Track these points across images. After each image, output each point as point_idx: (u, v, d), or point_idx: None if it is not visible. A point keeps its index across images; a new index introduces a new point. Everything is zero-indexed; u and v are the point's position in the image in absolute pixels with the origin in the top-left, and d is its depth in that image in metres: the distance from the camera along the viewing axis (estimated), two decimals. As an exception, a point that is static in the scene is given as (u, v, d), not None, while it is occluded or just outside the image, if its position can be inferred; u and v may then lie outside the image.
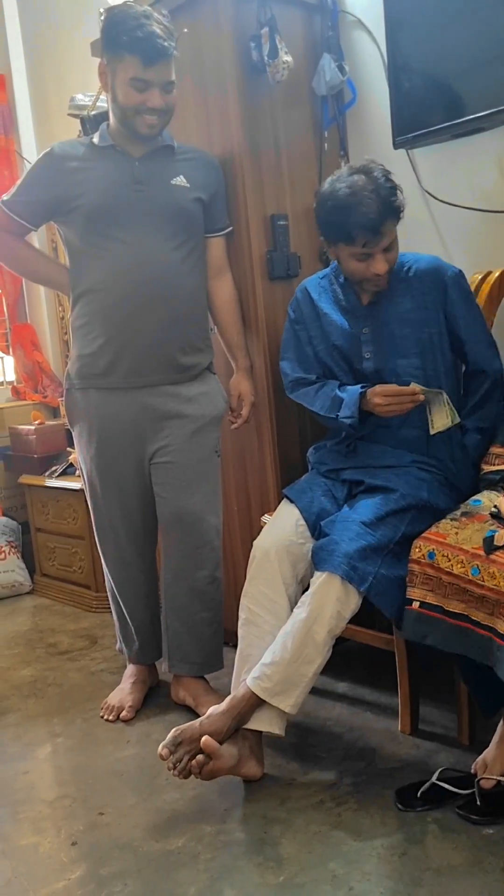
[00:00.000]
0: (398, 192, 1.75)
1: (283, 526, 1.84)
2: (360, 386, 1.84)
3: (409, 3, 2.06)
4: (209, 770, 1.63)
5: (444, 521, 1.70)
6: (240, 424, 2.17)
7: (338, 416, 1.85)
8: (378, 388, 1.81)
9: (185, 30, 2.09)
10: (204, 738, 1.62)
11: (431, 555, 1.64)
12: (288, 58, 2.06)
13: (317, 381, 1.96)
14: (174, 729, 1.68)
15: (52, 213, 2.00)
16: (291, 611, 1.76)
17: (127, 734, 2.03)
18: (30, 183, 2.00)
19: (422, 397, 1.77)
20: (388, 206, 1.72)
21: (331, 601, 1.64)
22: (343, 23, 2.29)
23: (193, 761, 1.62)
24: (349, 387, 1.87)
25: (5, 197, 2.02)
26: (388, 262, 1.78)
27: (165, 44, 1.82)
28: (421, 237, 2.17)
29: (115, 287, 1.94)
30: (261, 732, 1.71)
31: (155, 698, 2.19)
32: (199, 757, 1.62)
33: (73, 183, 1.94)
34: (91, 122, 2.57)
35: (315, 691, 2.05)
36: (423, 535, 1.68)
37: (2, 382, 3.93)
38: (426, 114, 2.07)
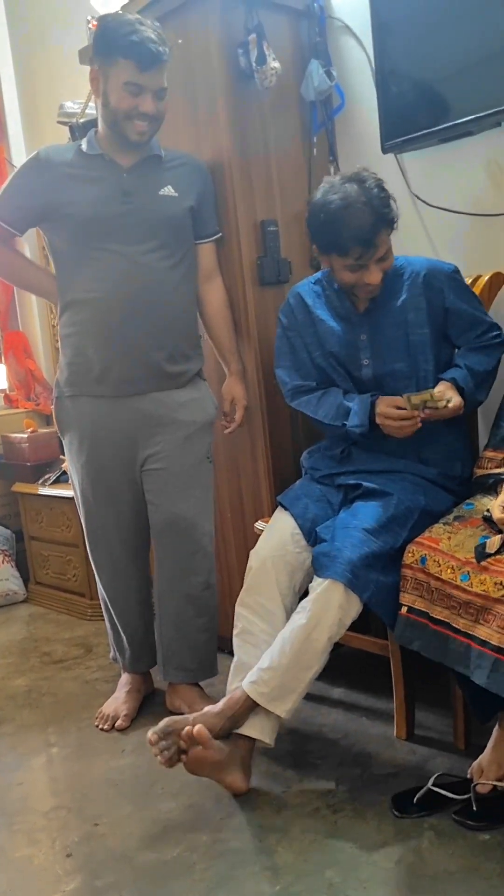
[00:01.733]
0: (391, 201, 1.74)
1: (279, 535, 1.84)
2: (369, 395, 1.82)
3: (395, 8, 2.06)
4: (195, 756, 1.62)
5: (437, 525, 1.70)
6: (233, 429, 2.16)
7: (345, 423, 1.83)
8: (382, 406, 1.78)
9: (179, 41, 2.09)
10: (197, 727, 1.61)
11: (423, 560, 1.64)
12: (276, 64, 2.06)
13: (317, 388, 1.94)
14: (167, 718, 1.67)
15: (38, 219, 2.00)
16: (287, 620, 1.76)
17: (122, 743, 2.02)
18: (15, 187, 1.98)
19: (419, 425, 1.75)
20: (381, 218, 1.70)
21: (332, 608, 1.63)
22: (330, 28, 2.30)
23: (183, 732, 1.61)
24: (356, 395, 1.86)
25: None
26: (381, 271, 1.78)
27: (160, 49, 1.83)
28: (410, 241, 2.17)
29: (103, 297, 1.93)
30: (253, 745, 1.70)
31: (150, 707, 2.18)
32: (188, 729, 1.61)
33: (61, 190, 1.93)
34: (80, 130, 2.57)
35: (310, 697, 2.04)
36: (417, 539, 1.68)
37: (-6, 390, 3.92)
38: (414, 118, 2.08)
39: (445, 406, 1.73)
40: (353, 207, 1.69)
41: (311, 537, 1.80)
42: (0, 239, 2.03)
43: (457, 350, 1.90)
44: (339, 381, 1.93)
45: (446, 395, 1.74)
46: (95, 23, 2.44)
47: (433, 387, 1.80)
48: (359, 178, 1.73)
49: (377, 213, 1.70)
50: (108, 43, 1.83)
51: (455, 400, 1.74)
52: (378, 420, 1.79)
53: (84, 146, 1.97)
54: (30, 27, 3.56)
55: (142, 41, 1.81)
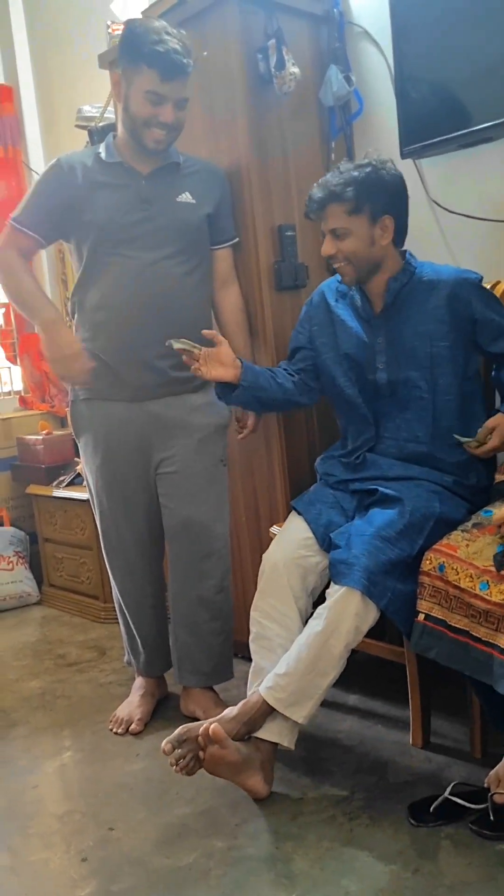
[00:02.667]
0: (359, 185, 1.76)
1: (292, 539, 1.84)
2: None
3: (415, 14, 2.06)
4: (212, 755, 1.61)
5: (455, 532, 1.70)
6: (246, 435, 2.16)
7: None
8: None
9: (205, 53, 2.09)
10: (213, 725, 1.61)
11: (441, 567, 1.63)
12: (295, 69, 2.06)
13: (297, 373, 2.00)
14: (181, 726, 1.67)
15: (62, 227, 1.99)
16: (302, 623, 1.76)
17: (136, 747, 2.02)
18: (39, 195, 1.98)
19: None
20: (330, 193, 1.78)
21: (349, 615, 1.63)
22: (350, 34, 2.30)
23: (201, 730, 1.62)
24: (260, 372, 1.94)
25: (14, 214, 2.00)
26: (335, 248, 1.82)
27: (184, 60, 1.83)
28: (429, 247, 2.16)
29: (119, 302, 1.94)
30: (274, 749, 1.70)
31: (164, 711, 2.18)
32: (205, 727, 1.63)
33: (81, 197, 1.94)
34: (98, 134, 2.58)
35: (325, 704, 2.04)
36: (435, 546, 1.67)
37: (9, 392, 3.93)
38: (433, 124, 2.07)
39: (478, 447, 1.80)
40: (324, 176, 1.84)
41: (325, 543, 1.80)
42: (24, 251, 2.00)
43: (494, 367, 1.90)
44: (346, 386, 1.93)
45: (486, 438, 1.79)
46: (115, 27, 2.47)
47: (448, 400, 1.83)
48: (365, 159, 1.81)
49: (327, 189, 1.79)
50: (134, 49, 1.83)
51: (491, 443, 1.77)
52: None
53: (103, 154, 1.97)
54: (48, 31, 3.58)
55: (167, 52, 1.81)
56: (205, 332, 1.90)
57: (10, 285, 2.01)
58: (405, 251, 1.90)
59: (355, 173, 1.78)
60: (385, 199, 1.79)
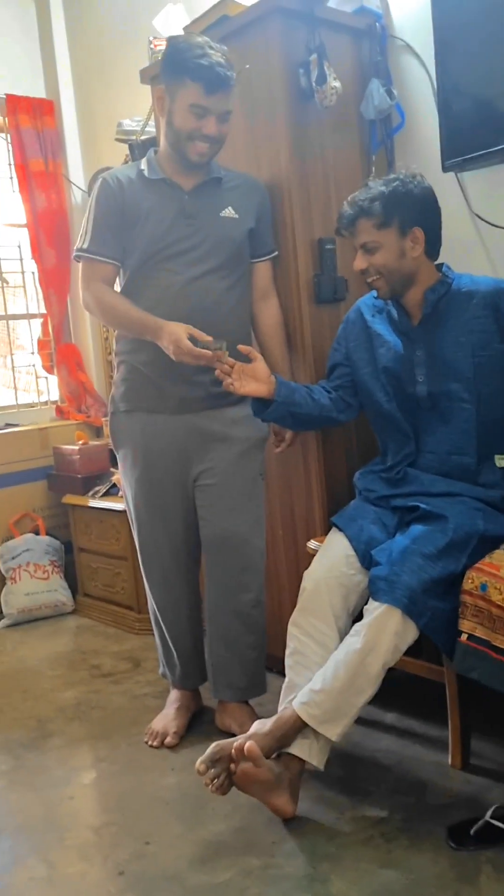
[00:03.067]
0: (386, 201, 1.78)
1: (334, 557, 1.83)
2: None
3: (458, 27, 2.05)
4: (244, 771, 1.60)
5: (498, 551, 1.67)
6: (283, 448, 2.15)
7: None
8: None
9: (247, 66, 2.10)
10: (249, 743, 1.60)
11: (484, 587, 1.61)
12: (336, 83, 2.06)
13: (333, 391, 2.01)
14: (213, 744, 1.66)
15: (123, 242, 1.99)
16: (340, 642, 1.74)
17: (171, 761, 2.01)
18: (98, 219, 1.98)
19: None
20: (360, 208, 1.81)
21: (388, 634, 1.61)
22: (392, 47, 2.29)
23: (235, 745, 1.61)
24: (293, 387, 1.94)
25: (81, 246, 2.00)
26: (368, 263, 1.84)
27: (227, 73, 1.84)
28: (471, 260, 2.15)
29: (160, 313, 1.95)
30: (302, 768, 1.68)
31: (199, 725, 2.17)
32: (239, 743, 1.62)
33: (128, 213, 1.95)
34: (139, 148, 2.61)
35: (362, 721, 2.02)
36: (477, 565, 1.65)
37: (46, 402, 3.98)
38: (476, 137, 2.05)
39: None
40: (355, 193, 1.86)
41: (366, 560, 1.78)
42: (106, 279, 2.00)
43: None
44: (383, 400, 1.92)
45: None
46: (157, 43, 2.49)
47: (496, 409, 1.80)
48: (393, 178, 1.83)
49: (356, 205, 1.82)
50: (178, 64, 1.85)
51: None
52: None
53: (146, 171, 1.98)
54: (89, 47, 3.63)
55: (210, 65, 1.82)
56: (241, 347, 1.90)
57: (107, 317, 2.03)
58: (441, 264, 1.89)
59: (382, 188, 1.80)
60: (414, 211, 1.79)
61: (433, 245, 1.85)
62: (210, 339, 1.85)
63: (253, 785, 1.63)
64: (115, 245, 1.98)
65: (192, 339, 1.85)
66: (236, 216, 1.99)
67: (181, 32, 2.46)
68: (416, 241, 1.80)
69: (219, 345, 1.85)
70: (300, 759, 1.68)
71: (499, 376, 1.81)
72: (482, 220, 2.17)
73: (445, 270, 1.87)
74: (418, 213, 1.80)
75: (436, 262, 1.88)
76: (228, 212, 1.98)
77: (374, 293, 1.95)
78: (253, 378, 1.89)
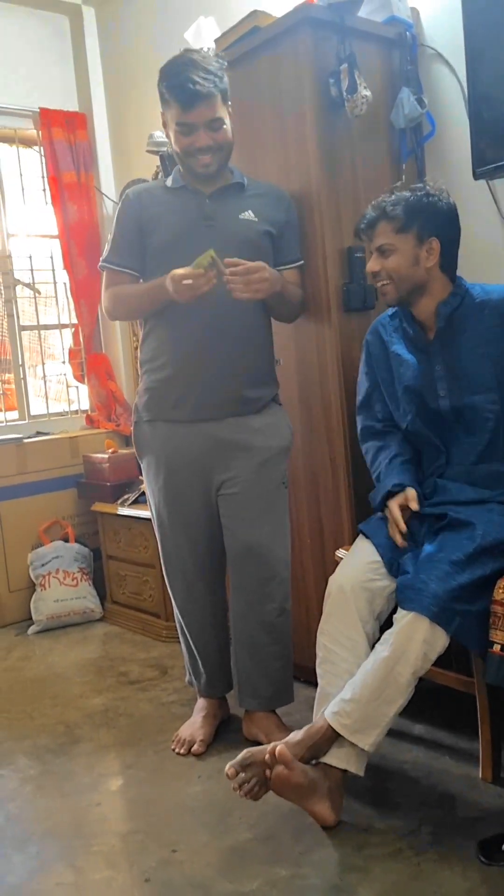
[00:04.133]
0: (409, 209, 1.78)
1: (359, 562, 1.81)
2: (393, 485, 1.84)
3: (489, 35, 2.04)
4: (278, 775, 1.59)
5: (529, 561, 1.65)
6: (229, 278, 1.86)
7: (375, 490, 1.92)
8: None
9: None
10: (280, 746, 1.60)
11: (515, 596, 1.59)
12: (367, 92, 2.07)
13: (382, 431, 1.98)
14: (245, 750, 1.66)
15: (144, 254, 2.03)
16: (369, 647, 1.73)
17: (198, 769, 2.01)
18: (118, 232, 2.05)
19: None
20: (383, 212, 1.81)
21: (417, 642, 1.60)
22: (422, 56, 2.29)
23: (268, 749, 1.61)
24: (391, 474, 1.87)
25: (103, 257, 2.07)
26: (380, 265, 1.83)
27: (199, 87, 1.85)
28: (501, 268, 2.13)
29: (182, 321, 1.96)
30: (342, 776, 1.67)
31: (226, 734, 2.16)
32: (271, 746, 1.62)
33: (149, 220, 2.00)
34: (170, 159, 2.64)
35: (391, 733, 1.98)
36: (507, 575, 1.63)
37: (77, 411, 4.01)
38: (508, 145, 2.04)
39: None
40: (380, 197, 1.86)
41: (393, 567, 1.77)
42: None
43: None
44: (410, 419, 1.90)
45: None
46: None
47: None
48: (420, 187, 1.83)
49: (379, 208, 1.82)
50: (161, 87, 1.92)
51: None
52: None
53: (169, 182, 2.04)
54: (121, 60, 3.68)
55: (181, 83, 1.86)
56: (228, 261, 1.83)
57: (124, 305, 2.06)
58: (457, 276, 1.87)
59: (407, 194, 1.80)
60: (434, 222, 1.79)
61: (448, 260, 1.83)
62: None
63: (289, 789, 1.62)
64: (134, 256, 2.03)
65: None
66: (255, 219, 2.00)
67: (212, 45, 2.49)
68: (431, 252, 1.79)
69: (203, 259, 1.80)
70: (339, 769, 1.67)
71: None
72: (513, 227, 2.15)
73: (459, 282, 1.86)
74: (439, 224, 1.80)
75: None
76: (248, 215, 2.00)
77: (389, 313, 1.96)
78: None
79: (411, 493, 1.81)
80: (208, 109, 1.89)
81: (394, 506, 1.81)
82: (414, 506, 1.79)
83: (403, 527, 1.78)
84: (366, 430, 2.01)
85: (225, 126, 1.94)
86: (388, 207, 1.80)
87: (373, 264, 1.85)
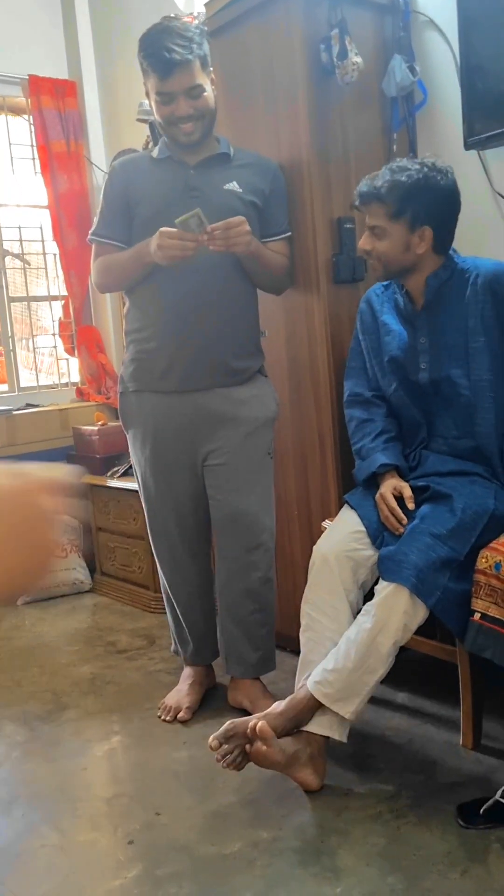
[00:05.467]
0: (402, 189, 1.74)
1: (343, 532, 1.83)
2: (379, 465, 1.85)
3: (483, 3, 2.01)
4: (257, 751, 1.62)
5: (512, 530, 1.66)
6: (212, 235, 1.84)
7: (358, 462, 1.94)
8: None
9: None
10: (261, 723, 1.62)
11: (498, 566, 1.60)
12: (358, 59, 2.04)
13: (370, 400, 1.97)
14: (228, 722, 1.68)
15: (128, 224, 2.02)
16: (353, 616, 1.75)
17: (183, 735, 2.03)
18: (105, 204, 2.05)
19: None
20: (372, 190, 1.77)
21: (398, 613, 1.61)
22: (415, 23, 2.26)
23: (249, 725, 1.63)
24: (377, 452, 1.87)
25: (91, 230, 2.07)
26: (373, 238, 1.81)
27: (175, 55, 1.83)
28: (492, 241, 2.12)
29: (167, 291, 1.96)
30: (325, 742, 1.69)
31: (212, 701, 2.19)
32: (252, 723, 1.64)
33: (134, 192, 1.99)
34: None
35: (374, 700, 2.02)
36: (491, 545, 1.64)
37: (66, 384, 4.00)
38: (499, 114, 2.02)
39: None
40: (380, 169, 1.81)
41: (377, 538, 1.78)
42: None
43: None
44: (394, 389, 1.91)
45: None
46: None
47: (491, 397, 1.78)
48: (422, 161, 1.78)
49: (373, 186, 1.77)
50: (139, 58, 1.91)
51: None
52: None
53: (155, 153, 2.03)
54: (111, 27, 3.62)
55: (156, 51, 1.85)
56: (212, 226, 1.81)
57: (111, 274, 2.04)
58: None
59: (404, 178, 1.74)
60: (429, 208, 1.75)
61: (442, 242, 1.81)
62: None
63: (268, 763, 1.65)
64: (121, 228, 2.02)
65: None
66: (240, 190, 1.99)
67: (202, 10, 2.45)
68: (423, 239, 1.77)
69: (188, 217, 1.77)
70: (322, 735, 1.69)
71: (493, 362, 1.78)
72: (502, 196, 2.14)
73: (450, 254, 1.85)
74: (433, 210, 1.76)
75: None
76: (233, 186, 1.98)
77: (382, 284, 1.95)
78: None
79: (407, 492, 1.80)
80: (186, 76, 1.87)
81: (388, 496, 1.80)
82: (410, 505, 1.78)
83: (403, 517, 1.76)
84: (353, 397, 2.01)
85: (205, 93, 1.92)
86: (382, 189, 1.75)
87: (364, 242, 1.84)
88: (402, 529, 1.74)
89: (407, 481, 1.85)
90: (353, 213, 2.19)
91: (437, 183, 1.75)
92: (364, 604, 1.73)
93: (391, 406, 1.95)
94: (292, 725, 1.69)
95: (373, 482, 1.88)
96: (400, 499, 1.81)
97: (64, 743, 2.05)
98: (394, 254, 1.80)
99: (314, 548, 1.84)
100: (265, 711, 1.70)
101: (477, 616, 1.62)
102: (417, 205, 1.75)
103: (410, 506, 1.78)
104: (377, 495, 1.83)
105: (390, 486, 1.82)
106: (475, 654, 1.63)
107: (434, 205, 1.76)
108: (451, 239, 1.84)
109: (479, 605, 1.62)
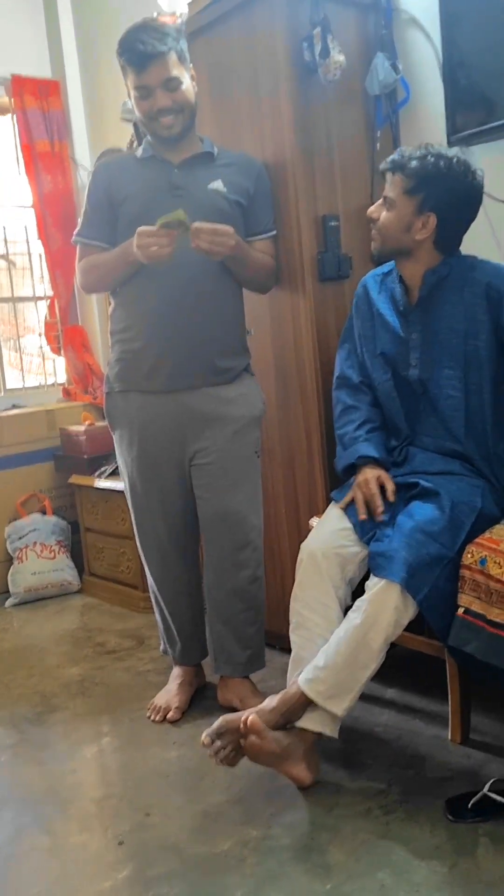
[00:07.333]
0: (420, 166, 1.73)
1: (330, 529, 1.83)
2: (358, 457, 1.86)
3: (465, 0, 2.02)
4: (251, 745, 1.62)
5: (498, 526, 1.67)
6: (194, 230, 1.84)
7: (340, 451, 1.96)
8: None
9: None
10: (251, 716, 1.62)
11: (483, 561, 1.61)
12: (340, 57, 2.04)
13: (358, 386, 1.97)
14: (220, 718, 1.68)
15: (112, 225, 2.02)
16: (342, 612, 1.75)
17: (173, 735, 2.03)
18: (89, 205, 2.05)
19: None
20: (395, 161, 1.78)
21: (388, 609, 1.61)
22: (397, 21, 2.26)
23: (241, 721, 1.63)
24: (359, 443, 1.89)
25: (76, 231, 2.07)
26: (378, 214, 1.83)
27: (148, 48, 1.85)
28: (476, 238, 2.12)
29: (152, 291, 1.95)
30: (316, 737, 1.69)
31: (202, 700, 2.19)
32: (243, 717, 1.64)
33: (118, 192, 1.99)
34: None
35: (363, 696, 2.00)
36: (477, 540, 1.65)
37: (53, 384, 3.99)
38: (482, 111, 2.04)
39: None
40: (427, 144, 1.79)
41: (365, 535, 1.78)
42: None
43: None
44: (381, 383, 1.91)
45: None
46: (162, 19, 2.47)
47: (481, 403, 1.78)
48: (456, 154, 1.77)
49: (406, 157, 1.76)
50: (117, 56, 1.91)
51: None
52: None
53: (139, 152, 2.03)
54: (95, 26, 3.61)
55: (131, 46, 1.86)
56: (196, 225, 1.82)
57: (95, 274, 2.04)
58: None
59: (431, 160, 1.73)
60: (442, 198, 1.74)
61: (446, 239, 1.80)
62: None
63: (262, 757, 1.65)
64: (105, 229, 2.02)
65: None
66: (224, 189, 1.99)
67: (185, 10, 2.44)
68: (425, 226, 1.77)
69: (168, 218, 1.78)
70: (314, 731, 1.69)
71: (490, 366, 1.78)
72: (488, 195, 2.13)
73: (452, 254, 1.84)
74: (445, 201, 1.75)
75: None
76: (217, 185, 1.98)
77: (383, 269, 1.95)
78: None
79: (390, 485, 1.80)
80: (162, 69, 1.87)
81: (372, 482, 1.81)
82: (391, 498, 1.79)
83: (381, 506, 1.77)
84: (342, 378, 2.01)
85: (183, 86, 1.92)
86: (410, 163, 1.75)
87: (373, 210, 1.84)
88: (379, 517, 1.75)
89: (388, 474, 1.87)
90: (337, 210, 2.19)
91: (460, 177, 1.74)
92: (353, 600, 1.74)
93: (378, 396, 1.95)
94: (284, 721, 1.69)
95: (351, 472, 1.89)
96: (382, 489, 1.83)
97: (53, 745, 2.05)
98: (394, 230, 1.79)
99: (302, 545, 1.84)
100: (256, 708, 1.70)
101: (461, 611, 1.62)
102: (432, 189, 1.74)
103: (391, 499, 1.78)
104: (358, 480, 1.83)
105: (374, 474, 1.83)
106: (458, 647, 1.63)
107: (448, 196, 1.75)
108: (456, 240, 1.83)
109: (464, 599, 1.63)
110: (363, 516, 1.78)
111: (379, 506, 1.77)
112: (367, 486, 1.81)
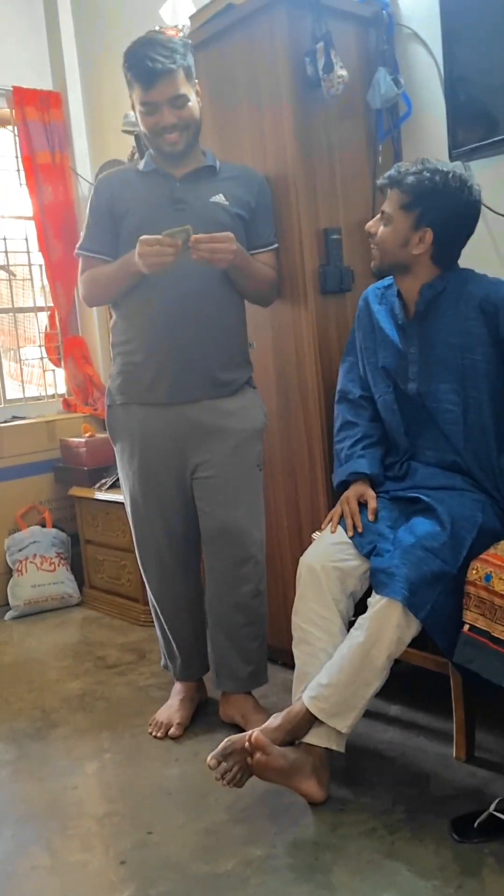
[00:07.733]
0: (424, 181, 1.73)
1: (328, 542, 1.82)
2: (352, 474, 1.90)
3: (466, 15, 2.03)
4: (258, 762, 1.61)
5: (503, 542, 1.66)
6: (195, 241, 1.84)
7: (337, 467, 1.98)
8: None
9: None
10: (256, 733, 1.61)
11: (488, 577, 1.60)
12: (343, 72, 2.05)
13: (359, 399, 1.98)
14: (225, 740, 1.66)
15: (114, 237, 2.02)
16: (344, 626, 1.74)
17: (175, 752, 2.01)
18: (91, 218, 2.04)
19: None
20: (394, 178, 1.78)
21: (390, 627, 1.61)
22: (399, 36, 2.27)
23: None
24: (354, 459, 1.91)
25: (78, 244, 2.07)
26: (376, 229, 1.83)
27: (157, 65, 1.84)
28: (477, 253, 2.12)
29: (154, 303, 1.95)
30: (325, 753, 1.68)
31: (203, 716, 2.17)
32: (248, 735, 1.63)
33: (120, 205, 1.99)
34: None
35: (367, 714, 1.99)
36: (482, 556, 1.64)
37: (53, 395, 3.98)
38: (484, 126, 2.04)
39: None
40: (424, 160, 1.80)
41: (364, 549, 1.77)
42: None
43: None
44: (381, 396, 1.92)
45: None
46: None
47: (482, 421, 1.79)
48: (453, 168, 1.77)
49: (402, 173, 1.77)
50: (124, 70, 1.91)
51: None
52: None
53: (141, 165, 2.03)
54: (96, 38, 3.62)
55: (139, 62, 1.86)
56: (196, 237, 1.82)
57: (97, 286, 2.04)
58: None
59: (428, 175, 1.74)
60: (438, 214, 1.75)
61: (443, 254, 1.80)
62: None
63: (272, 773, 1.64)
64: (107, 242, 2.02)
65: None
66: (226, 202, 1.99)
67: (187, 23, 2.45)
68: (422, 241, 1.77)
69: (175, 231, 1.79)
70: (321, 747, 1.68)
71: (489, 380, 1.78)
72: (490, 209, 2.14)
73: (449, 268, 1.84)
74: (441, 217, 1.75)
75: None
76: (219, 198, 1.99)
77: (383, 283, 1.95)
78: None
79: (372, 503, 1.83)
80: (169, 86, 1.87)
81: (352, 500, 1.85)
82: (371, 517, 1.81)
83: (360, 523, 1.80)
84: (343, 392, 2.02)
85: (190, 103, 1.92)
86: (406, 179, 1.76)
87: (371, 224, 1.85)
88: (359, 529, 1.79)
89: (379, 491, 1.88)
90: (339, 224, 2.19)
91: (456, 193, 1.74)
92: (356, 614, 1.73)
93: (378, 410, 1.95)
94: (290, 738, 1.68)
95: (345, 489, 1.91)
96: (388, 501, 1.84)
97: (54, 761, 2.03)
98: (391, 245, 1.80)
99: (301, 559, 1.83)
100: (261, 727, 1.69)
101: (466, 627, 1.61)
102: (428, 205, 1.74)
103: (371, 518, 1.81)
104: (342, 497, 1.87)
105: (356, 491, 1.87)
106: (461, 664, 1.62)
107: (444, 212, 1.75)
108: (454, 254, 1.83)
109: (469, 616, 1.62)
110: (350, 532, 1.79)
111: (356, 524, 1.80)
112: (347, 502, 1.85)
